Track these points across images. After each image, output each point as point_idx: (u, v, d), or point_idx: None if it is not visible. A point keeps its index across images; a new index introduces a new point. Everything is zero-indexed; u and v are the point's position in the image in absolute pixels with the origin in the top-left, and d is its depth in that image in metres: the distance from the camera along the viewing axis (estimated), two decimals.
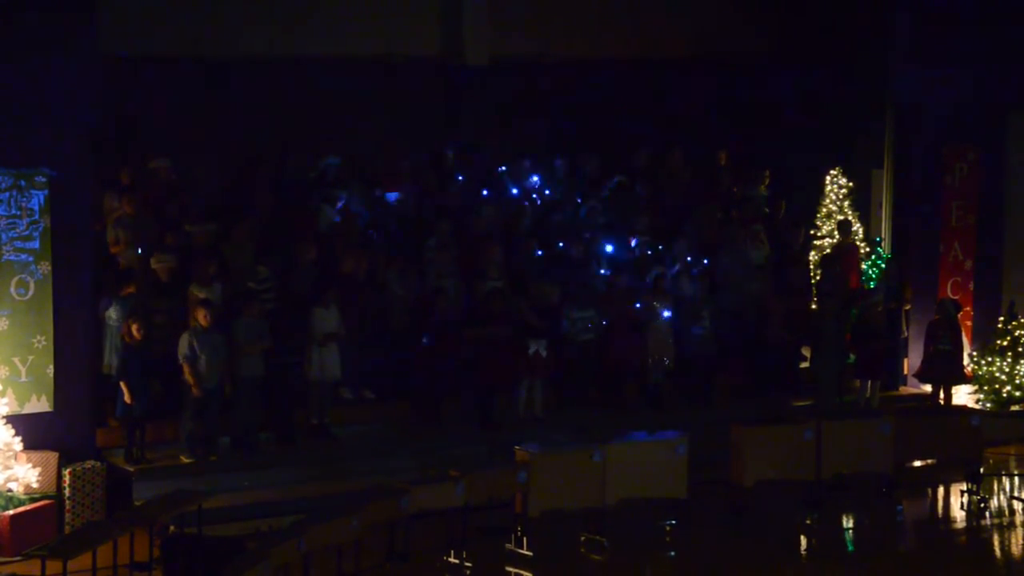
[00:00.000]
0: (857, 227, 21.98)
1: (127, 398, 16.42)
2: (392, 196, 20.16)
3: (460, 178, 20.97)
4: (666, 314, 19.35)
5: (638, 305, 19.37)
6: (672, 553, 16.16)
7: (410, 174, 20.49)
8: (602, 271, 19.80)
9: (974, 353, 21.09)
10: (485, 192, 20.94)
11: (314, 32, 21.43)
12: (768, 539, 16.43)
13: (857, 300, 20.51)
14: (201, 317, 16.69)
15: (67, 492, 16.04)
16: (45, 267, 16.30)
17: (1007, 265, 21.66)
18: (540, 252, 19.83)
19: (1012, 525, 17.21)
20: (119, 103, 19.31)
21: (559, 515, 16.09)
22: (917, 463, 18.79)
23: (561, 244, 20.06)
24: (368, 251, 18.97)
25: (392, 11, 22.01)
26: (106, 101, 17.74)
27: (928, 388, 20.49)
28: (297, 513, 15.41)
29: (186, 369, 16.61)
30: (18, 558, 15.00)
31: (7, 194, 16.09)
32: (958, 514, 17.52)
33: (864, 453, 17.51)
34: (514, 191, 21.07)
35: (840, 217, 21.99)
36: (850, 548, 16.67)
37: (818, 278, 21.24)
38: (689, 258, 20.18)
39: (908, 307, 21.03)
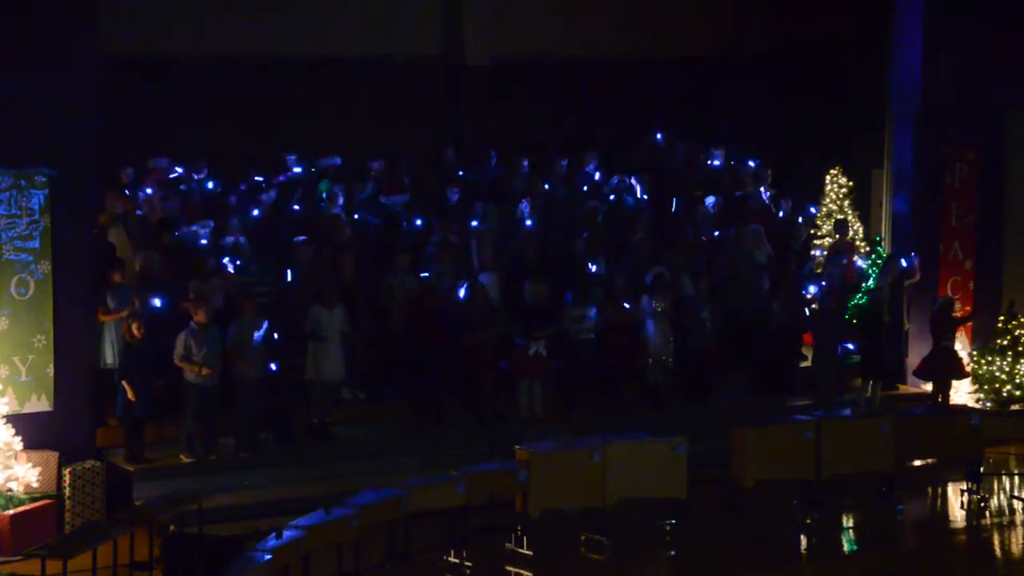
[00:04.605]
0: (857, 227, 21.97)
1: (130, 396, 16.42)
2: (392, 196, 20.16)
3: (460, 178, 20.97)
4: (665, 314, 19.34)
5: (637, 305, 19.36)
6: (672, 553, 16.16)
7: (410, 174, 20.49)
8: (602, 270, 19.79)
9: (974, 352, 21.10)
10: (484, 192, 20.93)
11: (315, 32, 21.48)
12: (768, 539, 16.43)
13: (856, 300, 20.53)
14: (200, 315, 16.68)
15: (67, 492, 16.02)
16: (45, 267, 16.28)
17: (1007, 265, 21.67)
18: (540, 252, 19.84)
19: (1012, 525, 17.20)
20: (119, 103, 19.33)
21: (559, 515, 16.10)
22: (917, 463, 18.77)
23: (561, 243, 20.06)
24: (367, 251, 18.96)
25: (393, 11, 22.07)
26: (106, 101, 17.76)
27: (928, 387, 20.48)
28: (297, 513, 15.40)
29: (185, 367, 16.63)
30: (18, 558, 14.99)
31: (7, 194, 16.08)
32: (958, 514, 17.51)
33: (864, 453, 17.49)
34: (515, 191, 21.07)
35: (839, 217, 21.99)
36: (850, 548, 16.67)
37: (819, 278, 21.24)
38: (688, 259, 20.19)
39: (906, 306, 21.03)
